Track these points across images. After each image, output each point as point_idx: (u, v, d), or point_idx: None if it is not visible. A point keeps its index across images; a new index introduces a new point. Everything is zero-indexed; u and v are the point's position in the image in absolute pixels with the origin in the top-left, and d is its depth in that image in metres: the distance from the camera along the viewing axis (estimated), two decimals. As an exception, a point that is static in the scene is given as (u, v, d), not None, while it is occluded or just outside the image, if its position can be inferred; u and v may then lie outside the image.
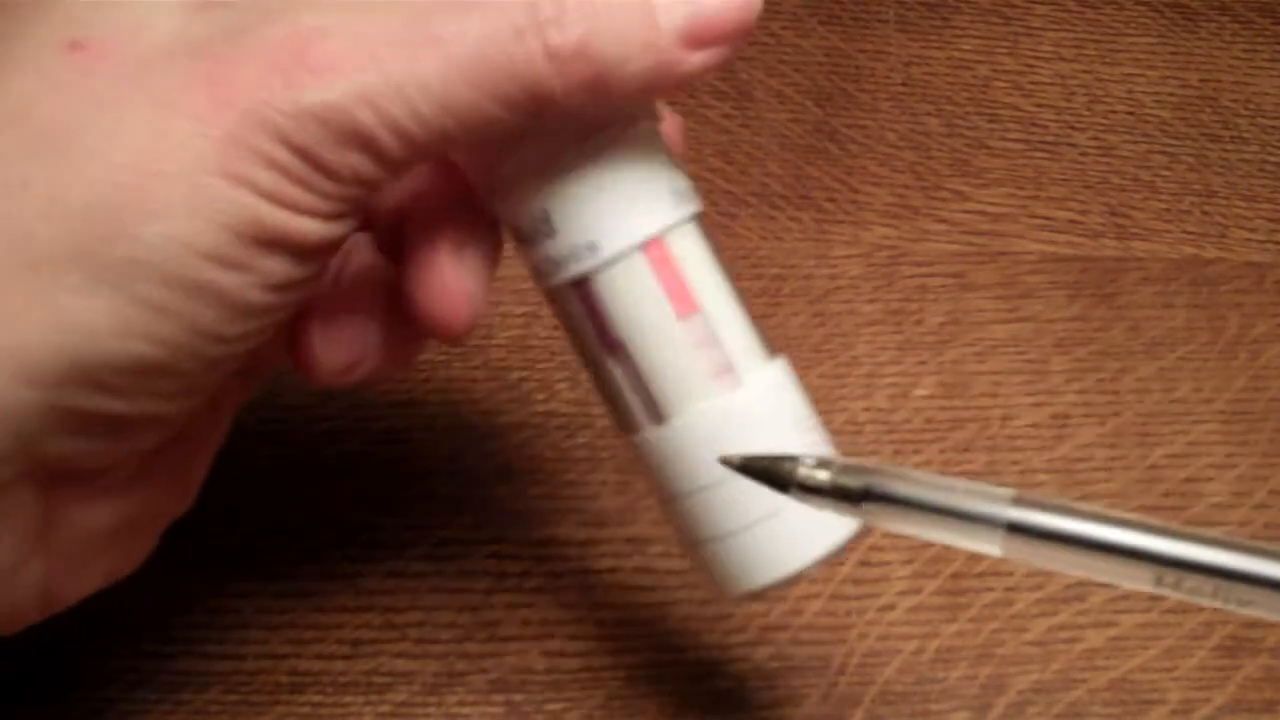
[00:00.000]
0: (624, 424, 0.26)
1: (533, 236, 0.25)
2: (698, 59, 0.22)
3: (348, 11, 0.21)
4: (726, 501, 0.25)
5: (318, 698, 0.32)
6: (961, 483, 0.22)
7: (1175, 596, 0.21)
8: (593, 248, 0.24)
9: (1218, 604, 0.21)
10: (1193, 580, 0.21)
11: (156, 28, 0.21)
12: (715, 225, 0.40)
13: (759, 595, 0.26)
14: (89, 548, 0.24)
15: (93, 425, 0.22)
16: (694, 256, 0.25)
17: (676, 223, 0.25)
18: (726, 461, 0.23)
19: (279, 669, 0.32)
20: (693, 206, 0.25)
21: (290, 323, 0.25)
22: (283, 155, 0.21)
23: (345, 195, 0.22)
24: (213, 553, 0.33)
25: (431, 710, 0.32)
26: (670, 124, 0.26)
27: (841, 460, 0.23)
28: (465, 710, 0.32)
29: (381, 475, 0.35)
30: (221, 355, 0.22)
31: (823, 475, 0.23)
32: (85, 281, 0.20)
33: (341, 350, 0.26)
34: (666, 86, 0.23)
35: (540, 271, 0.25)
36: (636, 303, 0.25)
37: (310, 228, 0.22)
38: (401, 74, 0.21)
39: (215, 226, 0.20)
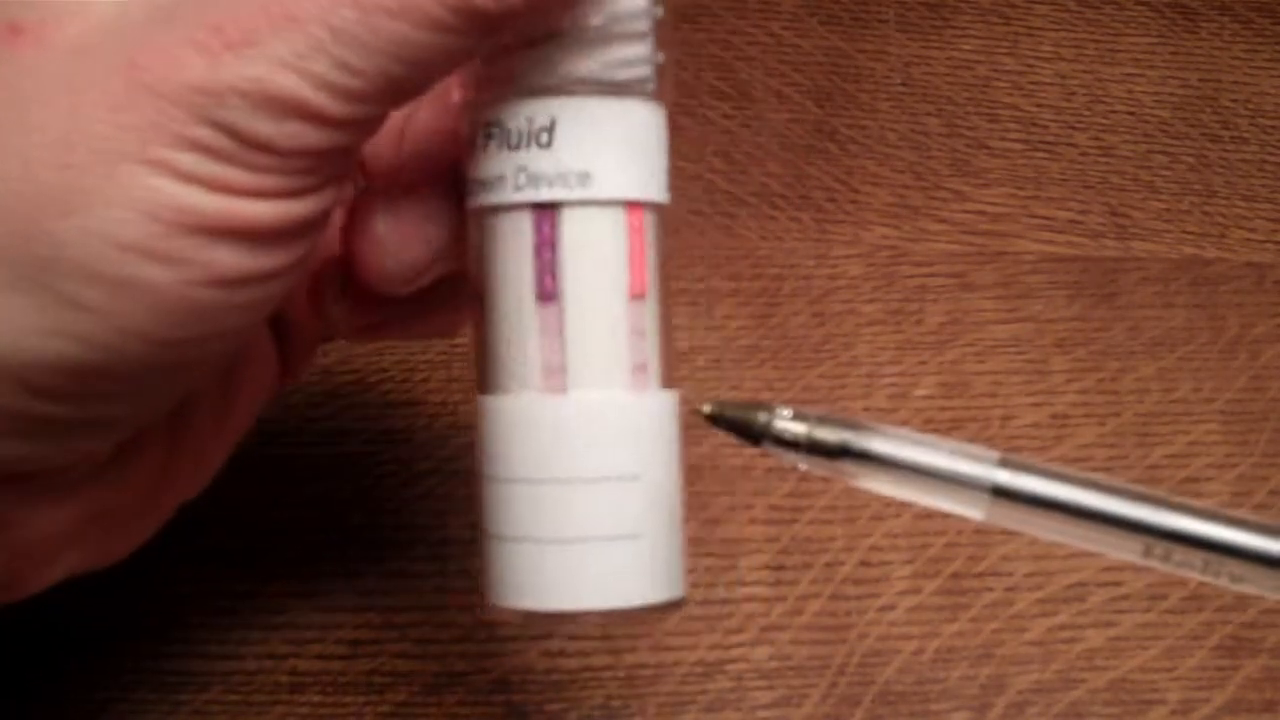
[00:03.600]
0: (504, 380, 0.23)
1: (519, 141, 0.23)
2: None
3: None
4: (586, 502, 0.23)
5: (318, 698, 0.32)
6: (946, 442, 0.21)
7: (1163, 569, 0.20)
8: (585, 180, 0.22)
9: (1208, 579, 0.20)
10: (1182, 553, 0.20)
11: (101, 8, 0.21)
12: (715, 225, 0.40)
13: (535, 619, 0.24)
14: (49, 543, 0.24)
15: (30, 427, 0.21)
16: (656, 245, 0.24)
17: (659, 203, 0.24)
18: (695, 410, 0.22)
19: (279, 669, 0.32)
20: (668, 199, 0.24)
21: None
22: (209, 136, 0.20)
23: (298, 168, 0.20)
24: (213, 553, 0.33)
25: (431, 710, 0.32)
26: None
27: (819, 413, 0.22)
28: (465, 710, 0.32)
29: (381, 475, 0.35)
30: (170, 360, 0.21)
31: (799, 428, 0.22)
32: (9, 279, 0.19)
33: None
34: None
35: (499, 183, 0.23)
36: (597, 259, 0.23)
37: (258, 210, 0.20)
38: (319, 30, 0.20)
39: (138, 217, 0.19)
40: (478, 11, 0.20)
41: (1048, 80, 0.44)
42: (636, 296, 0.23)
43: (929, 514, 0.35)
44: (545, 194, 0.23)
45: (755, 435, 0.22)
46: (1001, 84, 0.44)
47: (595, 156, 0.23)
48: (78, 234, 0.19)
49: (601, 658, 0.33)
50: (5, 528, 0.23)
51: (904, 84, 0.43)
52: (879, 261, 0.40)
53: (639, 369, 0.23)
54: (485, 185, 0.23)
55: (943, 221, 0.41)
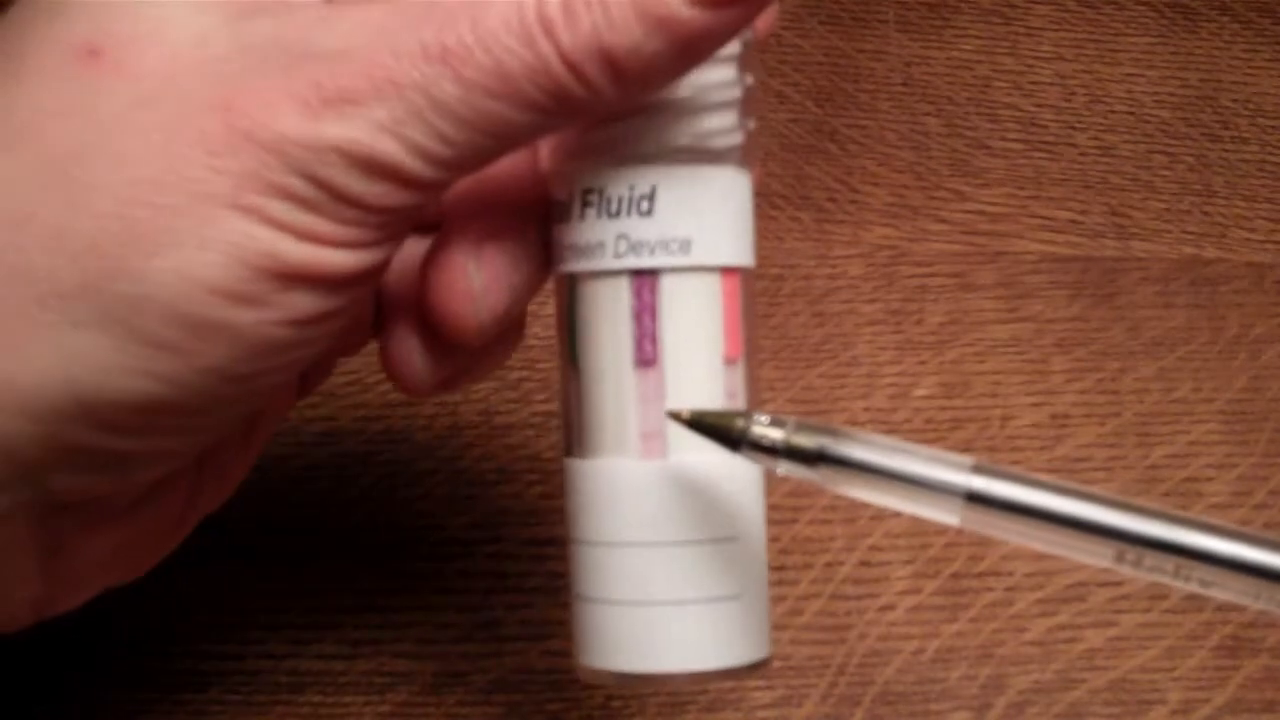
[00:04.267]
0: (599, 444, 0.24)
1: (619, 208, 0.23)
2: (716, 19, 0.20)
3: (362, 32, 0.20)
4: (686, 565, 0.23)
5: (318, 698, 0.32)
6: (922, 449, 0.22)
7: (1137, 575, 0.21)
8: (686, 247, 0.23)
9: (1179, 584, 0.20)
10: (1154, 558, 0.20)
11: (180, 34, 0.21)
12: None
13: (628, 683, 0.24)
14: (90, 567, 0.24)
15: (95, 461, 0.21)
16: (745, 310, 0.24)
17: (749, 268, 0.24)
18: (674, 415, 0.22)
19: (279, 669, 0.32)
20: (754, 263, 0.24)
21: (383, 339, 0.25)
22: (302, 188, 0.20)
23: (379, 222, 0.21)
24: (213, 552, 0.33)
25: (431, 710, 0.32)
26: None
27: (797, 419, 0.22)
28: (465, 710, 0.32)
29: (381, 475, 0.35)
30: (236, 394, 0.22)
31: (776, 434, 0.22)
32: (93, 316, 0.19)
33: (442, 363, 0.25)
34: (695, 58, 0.21)
35: (599, 249, 0.23)
36: (696, 325, 0.23)
37: (339, 259, 0.21)
38: (420, 98, 0.20)
39: (227, 261, 0.20)
40: (574, 98, 0.21)
41: (1048, 80, 0.44)
42: (730, 361, 0.23)
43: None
44: (647, 261, 0.23)
45: (733, 441, 0.22)
46: (1001, 84, 0.44)
47: (695, 224, 0.23)
48: (167, 275, 0.20)
49: (601, 658, 0.33)
50: (55, 554, 0.23)
51: (904, 84, 0.43)
52: (879, 261, 0.40)
53: None
54: (582, 251, 0.23)
55: (943, 221, 0.41)
